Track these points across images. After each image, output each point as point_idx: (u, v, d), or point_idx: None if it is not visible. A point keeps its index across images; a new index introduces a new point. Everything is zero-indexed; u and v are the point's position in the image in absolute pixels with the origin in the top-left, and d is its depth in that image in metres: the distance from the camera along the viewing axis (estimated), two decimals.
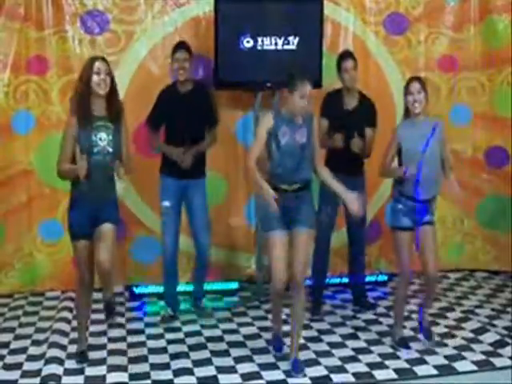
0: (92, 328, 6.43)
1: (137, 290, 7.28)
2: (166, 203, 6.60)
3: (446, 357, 5.81)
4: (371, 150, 6.76)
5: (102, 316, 6.62)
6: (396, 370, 5.57)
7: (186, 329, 6.50)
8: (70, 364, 5.66)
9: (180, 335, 6.35)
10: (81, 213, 5.44)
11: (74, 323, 6.52)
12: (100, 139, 5.35)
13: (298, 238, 5.57)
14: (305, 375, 5.48)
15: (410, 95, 5.80)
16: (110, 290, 5.58)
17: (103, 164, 5.37)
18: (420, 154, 5.73)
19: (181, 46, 6.64)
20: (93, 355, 5.83)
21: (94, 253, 5.42)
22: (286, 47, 7.08)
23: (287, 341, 5.81)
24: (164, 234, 6.68)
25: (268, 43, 7.05)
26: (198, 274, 6.93)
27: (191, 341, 6.20)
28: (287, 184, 5.52)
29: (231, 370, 5.60)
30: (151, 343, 6.14)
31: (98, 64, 5.33)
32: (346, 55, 6.82)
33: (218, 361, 5.76)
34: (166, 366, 5.66)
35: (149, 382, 5.40)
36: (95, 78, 5.30)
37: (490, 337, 6.19)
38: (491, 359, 5.75)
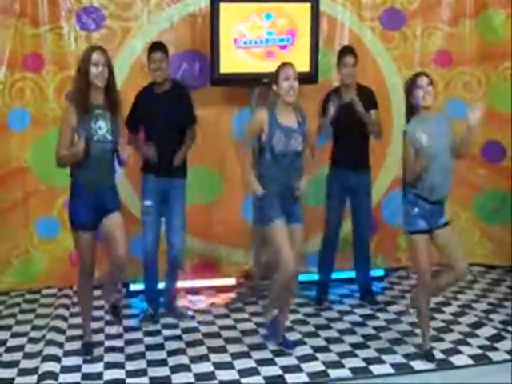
0: None
1: (133, 287, 7.27)
2: (148, 202, 6.54)
3: (442, 351, 5.82)
4: (381, 130, 6.86)
5: (98, 313, 6.69)
6: (393, 365, 5.58)
7: (183, 325, 6.50)
8: (67, 361, 5.66)
9: (177, 332, 6.34)
10: (81, 203, 5.46)
11: (71, 321, 6.57)
12: (99, 127, 5.37)
13: (294, 234, 5.68)
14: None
15: (420, 89, 5.55)
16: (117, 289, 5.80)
17: (102, 152, 5.40)
18: (438, 151, 5.55)
19: (156, 46, 6.55)
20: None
21: (110, 247, 5.51)
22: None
23: None
24: (144, 233, 6.59)
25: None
26: (169, 274, 6.78)
27: (188, 337, 6.20)
28: (278, 185, 5.61)
29: (228, 366, 5.60)
30: (148, 340, 6.14)
31: (95, 56, 5.30)
32: (347, 50, 6.83)
33: (215, 357, 5.76)
34: (163, 363, 5.66)
35: (146, 378, 5.40)
36: (93, 70, 5.28)
37: (486, 331, 6.21)
38: (488, 353, 5.76)
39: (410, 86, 5.64)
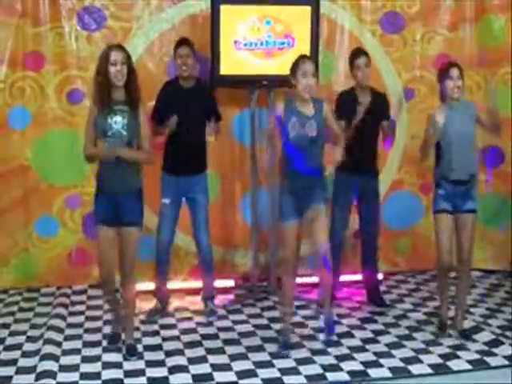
0: (87, 324, 6.47)
1: (138, 287, 7.24)
2: (166, 200, 6.62)
3: (440, 356, 5.81)
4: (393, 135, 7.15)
5: (97, 313, 6.70)
6: (391, 369, 5.57)
7: (181, 326, 6.50)
8: (66, 360, 5.65)
9: (175, 332, 6.34)
10: (102, 199, 5.57)
11: (70, 320, 6.58)
12: (115, 122, 5.43)
13: (316, 214, 5.80)
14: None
15: (451, 80, 5.99)
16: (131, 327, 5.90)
17: (116, 147, 5.43)
18: (459, 136, 5.96)
19: (183, 42, 6.69)
20: (88, 352, 5.85)
21: (120, 261, 5.70)
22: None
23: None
24: (160, 230, 6.68)
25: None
26: (203, 273, 6.94)
27: (186, 338, 6.20)
28: (298, 171, 5.67)
29: (226, 367, 5.59)
30: (146, 340, 6.13)
31: (113, 55, 5.37)
32: (359, 52, 6.85)
33: (213, 358, 5.75)
34: (161, 364, 5.65)
35: (144, 379, 5.40)
36: (112, 69, 5.35)
37: (484, 336, 6.20)
38: (486, 358, 5.75)
39: (442, 75, 6.09)
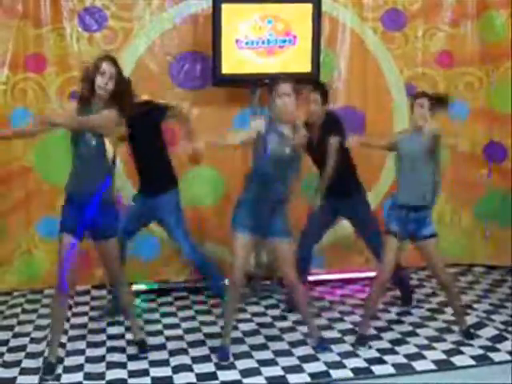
0: (91, 325, 6.48)
1: (134, 287, 7.26)
2: (132, 203, 6.68)
3: (444, 351, 5.80)
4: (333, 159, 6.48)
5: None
6: (394, 365, 5.56)
7: (184, 325, 6.51)
8: (69, 361, 5.66)
9: (179, 332, 6.35)
10: (68, 205, 5.40)
11: (73, 320, 6.59)
12: (87, 131, 5.26)
13: (281, 248, 5.73)
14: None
15: (417, 108, 5.80)
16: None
17: (86, 156, 5.30)
18: (413, 162, 5.81)
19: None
20: (92, 352, 5.86)
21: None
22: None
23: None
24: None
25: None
26: (204, 278, 7.06)
27: (190, 337, 6.20)
28: (264, 192, 5.58)
29: (230, 366, 5.59)
30: (150, 340, 6.11)
31: (104, 66, 5.24)
32: (313, 88, 6.50)
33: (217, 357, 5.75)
34: (165, 363, 5.66)
35: (148, 378, 5.40)
36: (99, 79, 5.23)
37: (488, 332, 6.19)
38: (489, 354, 5.74)
39: (413, 100, 5.90)
